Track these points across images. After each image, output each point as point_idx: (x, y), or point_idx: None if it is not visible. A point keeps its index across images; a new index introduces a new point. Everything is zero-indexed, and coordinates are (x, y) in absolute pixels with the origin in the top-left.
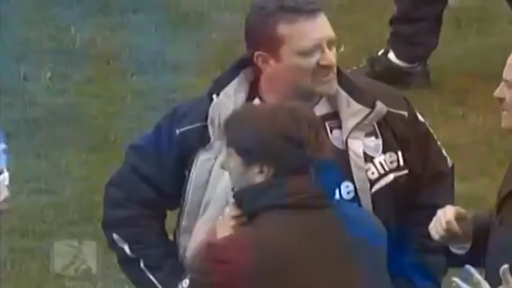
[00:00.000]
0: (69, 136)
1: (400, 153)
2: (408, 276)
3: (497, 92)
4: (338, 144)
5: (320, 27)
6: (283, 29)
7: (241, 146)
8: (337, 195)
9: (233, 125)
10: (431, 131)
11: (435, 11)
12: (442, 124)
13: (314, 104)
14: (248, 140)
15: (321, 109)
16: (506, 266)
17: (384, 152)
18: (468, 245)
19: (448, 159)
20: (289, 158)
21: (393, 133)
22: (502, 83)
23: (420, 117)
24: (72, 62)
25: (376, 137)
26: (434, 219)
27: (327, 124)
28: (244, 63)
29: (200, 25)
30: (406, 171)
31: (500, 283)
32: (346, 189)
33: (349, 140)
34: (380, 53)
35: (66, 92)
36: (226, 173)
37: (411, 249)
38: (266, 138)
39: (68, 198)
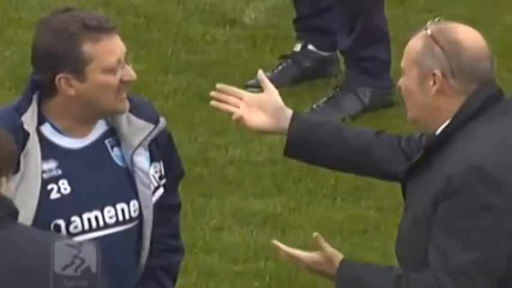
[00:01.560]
0: None
1: (161, 163)
2: (156, 277)
3: (399, 82)
4: (119, 162)
5: (120, 44)
6: (88, 48)
7: None
8: (126, 215)
9: None
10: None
11: None
12: (239, 142)
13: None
14: None
15: (100, 127)
16: (316, 234)
17: (151, 163)
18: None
19: None
20: None
21: (156, 143)
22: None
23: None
24: None
25: (145, 150)
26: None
27: (106, 142)
28: (36, 86)
29: None
30: (165, 180)
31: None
32: (133, 207)
33: (135, 158)
34: (297, 49)
35: None
36: (29, 204)
37: (156, 250)
38: None
39: None
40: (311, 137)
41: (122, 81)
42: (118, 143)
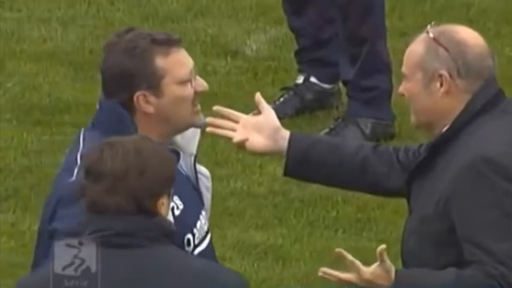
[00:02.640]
0: None
1: None
2: None
3: (400, 89)
4: (183, 172)
5: (188, 55)
6: (160, 62)
7: None
8: (208, 221)
9: None
10: None
11: (335, 29)
12: (240, 174)
13: None
14: None
15: None
16: (384, 246)
17: None
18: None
19: None
20: (88, 194)
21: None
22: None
23: None
24: None
25: None
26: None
27: None
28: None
29: None
30: None
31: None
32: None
33: (196, 164)
34: (300, 81)
35: None
36: None
37: None
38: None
39: None
40: (309, 156)
41: (195, 92)
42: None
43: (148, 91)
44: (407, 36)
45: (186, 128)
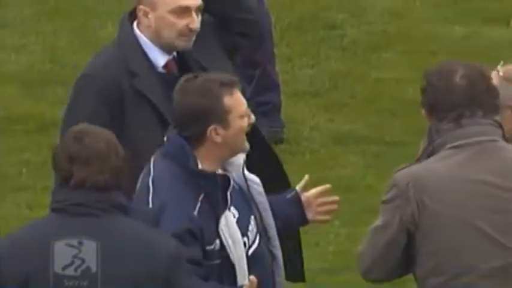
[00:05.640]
0: None
1: None
2: None
3: None
4: (233, 182)
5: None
6: (228, 100)
7: None
8: (259, 225)
9: None
10: None
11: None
12: None
13: None
14: None
15: None
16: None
17: None
18: None
19: None
20: (59, 169)
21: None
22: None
23: None
24: None
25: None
26: None
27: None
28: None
29: None
30: None
31: None
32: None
33: (245, 173)
34: None
35: None
36: (237, 231)
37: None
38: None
39: None
40: None
41: (248, 124)
42: (224, 169)
43: (218, 125)
44: (292, 62)
45: (240, 152)
